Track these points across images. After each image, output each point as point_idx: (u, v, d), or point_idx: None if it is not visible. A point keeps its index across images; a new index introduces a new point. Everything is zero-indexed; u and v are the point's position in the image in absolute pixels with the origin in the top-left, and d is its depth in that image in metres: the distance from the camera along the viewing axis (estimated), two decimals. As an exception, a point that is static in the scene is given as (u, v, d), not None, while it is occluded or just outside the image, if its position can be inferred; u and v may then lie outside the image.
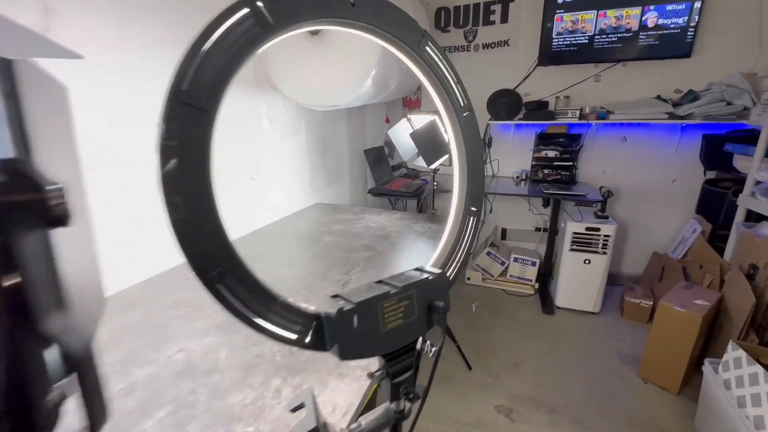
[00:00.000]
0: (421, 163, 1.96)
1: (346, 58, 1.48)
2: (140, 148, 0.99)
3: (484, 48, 2.89)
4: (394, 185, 2.57)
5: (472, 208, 0.51)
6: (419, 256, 1.33)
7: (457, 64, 0.48)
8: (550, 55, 2.63)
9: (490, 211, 3.20)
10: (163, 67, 1.03)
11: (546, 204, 2.89)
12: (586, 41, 2.50)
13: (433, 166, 1.85)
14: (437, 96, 0.48)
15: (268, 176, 1.61)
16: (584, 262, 2.44)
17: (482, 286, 2.93)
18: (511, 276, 2.88)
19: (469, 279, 2.97)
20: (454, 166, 0.51)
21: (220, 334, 0.86)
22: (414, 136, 1.85)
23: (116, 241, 0.98)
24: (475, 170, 0.51)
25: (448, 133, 0.51)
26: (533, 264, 2.81)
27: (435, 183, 2.08)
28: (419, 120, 1.95)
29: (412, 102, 3.23)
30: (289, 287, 1.08)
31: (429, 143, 1.78)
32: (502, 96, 2.75)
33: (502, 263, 2.89)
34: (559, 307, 2.60)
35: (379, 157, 2.68)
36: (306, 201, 1.98)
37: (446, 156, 1.81)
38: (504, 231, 3.25)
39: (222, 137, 1.28)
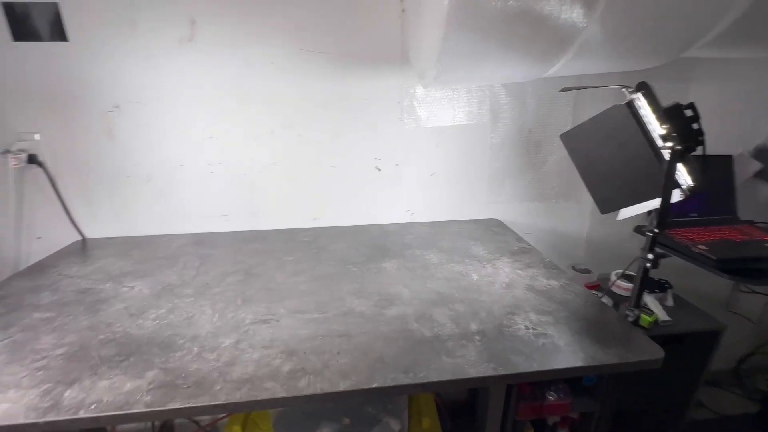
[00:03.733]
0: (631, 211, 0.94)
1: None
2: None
3: None
4: (696, 233, 1.32)
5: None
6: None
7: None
8: None
9: None
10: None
11: None
12: None
13: (622, 216, 1.03)
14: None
15: (406, 169, 1.43)
16: None
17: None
18: None
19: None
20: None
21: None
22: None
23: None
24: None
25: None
26: None
27: (650, 259, 0.81)
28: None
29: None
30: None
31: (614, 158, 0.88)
32: None
33: None
34: None
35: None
36: (467, 212, 1.52)
37: (652, 205, 0.84)
38: None
39: (353, 123, 1.33)
